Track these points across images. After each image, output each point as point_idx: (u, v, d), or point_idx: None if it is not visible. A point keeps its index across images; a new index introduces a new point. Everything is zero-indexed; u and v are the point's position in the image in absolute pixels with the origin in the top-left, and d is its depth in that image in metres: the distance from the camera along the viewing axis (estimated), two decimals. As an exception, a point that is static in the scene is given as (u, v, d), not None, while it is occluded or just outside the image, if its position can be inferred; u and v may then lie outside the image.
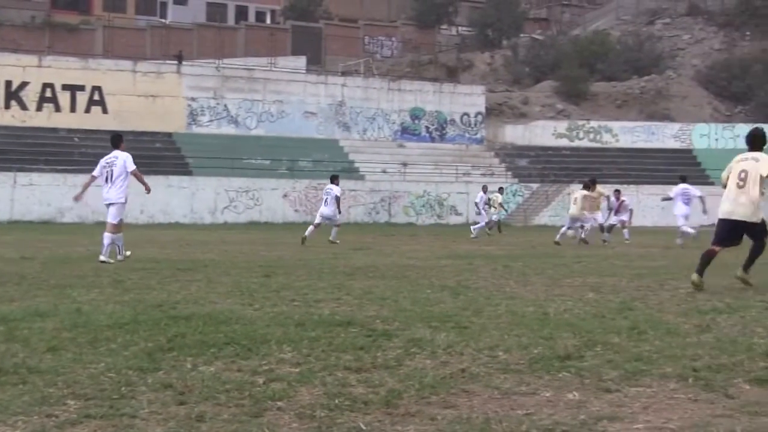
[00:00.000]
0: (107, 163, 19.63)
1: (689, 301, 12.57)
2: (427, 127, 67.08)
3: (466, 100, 68.47)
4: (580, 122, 71.38)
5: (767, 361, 7.94)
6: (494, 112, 71.64)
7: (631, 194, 61.86)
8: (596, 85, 79.04)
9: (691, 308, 11.74)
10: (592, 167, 61.61)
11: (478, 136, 68.31)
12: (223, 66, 63.45)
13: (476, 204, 37.41)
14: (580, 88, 77.12)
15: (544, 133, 69.85)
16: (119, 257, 19.54)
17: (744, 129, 71.24)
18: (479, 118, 68.47)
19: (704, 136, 71.10)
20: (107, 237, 19.45)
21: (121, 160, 19.50)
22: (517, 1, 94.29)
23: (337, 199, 30.20)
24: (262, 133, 61.47)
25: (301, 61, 70.92)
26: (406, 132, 66.34)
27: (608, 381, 7.13)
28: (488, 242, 32.21)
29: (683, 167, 66.97)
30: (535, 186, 62.37)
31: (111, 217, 19.56)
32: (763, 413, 6.24)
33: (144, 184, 19.97)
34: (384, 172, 60.16)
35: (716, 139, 70.98)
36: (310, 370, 7.37)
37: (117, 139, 20.17)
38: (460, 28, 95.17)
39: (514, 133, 69.78)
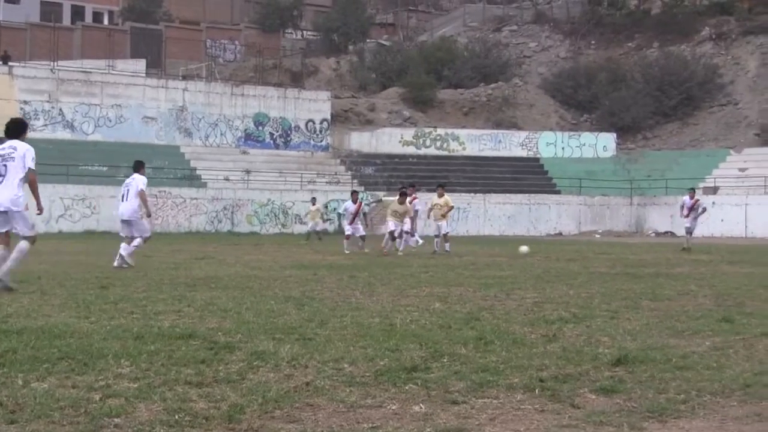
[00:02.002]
0: (126, 183, 22.91)
1: (536, 311, 12.80)
2: (272, 134, 66.86)
3: (312, 106, 68.49)
4: (427, 130, 72.07)
5: (612, 371, 8.14)
6: (340, 119, 71.81)
7: (477, 203, 62.87)
8: (443, 92, 79.90)
9: (537, 318, 11.96)
10: (439, 175, 62.21)
11: (324, 143, 68.40)
12: (58, 68, 62.11)
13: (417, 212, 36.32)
14: (427, 95, 77.85)
15: (390, 140, 70.29)
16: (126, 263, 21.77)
17: (589, 137, 73.18)
18: (325, 124, 68.57)
19: (551, 144, 72.52)
20: (139, 242, 22.38)
21: (136, 182, 22.64)
22: (364, 6, 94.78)
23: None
24: (100, 138, 60.38)
25: (140, 65, 69.95)
26: (250, 138, 65.99)
27: (455, 392, 7.21)
28: (333, 252, 32.27)
29: (530, 175, 68.39)
30: (381, 194, 62.74)
31: (139, 232, 22.55)
32: (608, 423, 6.39)
33: (146, 207, 23.17)
34: (227, 179, 59.71)
35: (563, 148, 72.49)
36: (149, 385, 7.27)
37: (138, 165, 23.44)
38: (305, 32, 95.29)
39: (361, 141, 70.07)
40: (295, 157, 65.52)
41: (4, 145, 15.34)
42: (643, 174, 69.05)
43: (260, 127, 66.40)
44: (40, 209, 16.39)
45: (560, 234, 63.28)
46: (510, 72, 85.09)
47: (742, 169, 65.47)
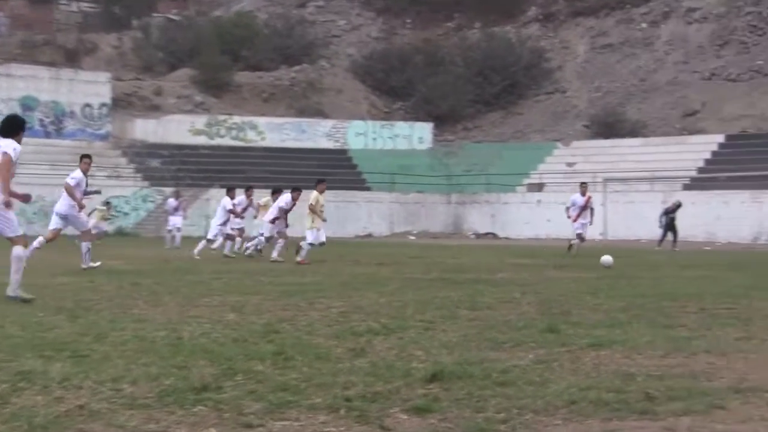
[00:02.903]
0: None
1: (342, 322, 12.87)
2: (42, 120, 65.56)
3: (89, 89, 67.39)
4: (222, 117, 71.74)
5: (426, 388, 8.24)
6: (122, 104, 70.90)
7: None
8: (240, 74, 79.66)
9: (344, 330, 12.03)
10: (235, 168, 62.06)
11: (103, 131, 67.39)
12: None
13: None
14: (222, 78, 77.47)
15: (179, 128, 69.72)
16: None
17: (404, 128, 73.95)
18: (104, 110, 67.56)
19: (360, 134, 73.07)
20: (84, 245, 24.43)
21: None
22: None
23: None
24: None
25: None
26: (16, 125, 64.55)
27: (250, 415, 7.19)
28: (112, 256, 31.82)
29: (337, 170, 68.64)
30: (168, 190, 62.14)
31: (80, 227, 24.83)
32: (421, 445, 6.48)
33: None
34: (-12, 172, 58.29)
35: (374, 139, 73.12)
36: None
37: (81, 157, 25.04)
38: (81, 3, 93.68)
39: (145, 129, 69.26)
40: (69, 147, 64.25)
41: None
42: (462, 169, 70.20)
43: (28, 113, 64.96)
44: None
45: (370, 235, 63.81)
46: (315, 53, 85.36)
47: (570, 164, 67.17)
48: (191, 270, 24.57)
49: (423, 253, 37.50)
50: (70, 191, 24.19)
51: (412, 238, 61.80)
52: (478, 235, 64.96)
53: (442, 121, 77.76)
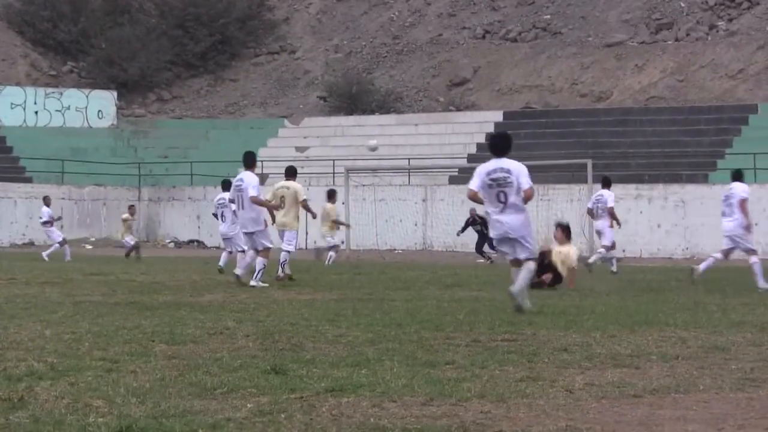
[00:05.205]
0: (237, 185, 28.29)
1: (-5, 362, 12.72)
2: None
3: None
4: None
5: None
6: None
7: None
8: None
9: (-4, 372, 11.89)
10: None
11: None
12: None
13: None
14: None
15: None
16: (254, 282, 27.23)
17: (77, 97, 73.07)
18: None
19: (17, 106, 71.98)
20: (260, 262, 27.70)
21: (246, 183, 27.93)
22: None
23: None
24: None
25: None
26: None
27: None
28: None
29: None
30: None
31: (261, 244, 28.05)
32: None
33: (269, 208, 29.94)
34: None
35: (35, 112, 72.14)
36: None
37: (249, 158, 29.22)
38: None
39: None
40: None
41: (494, 167, 19.98)
42: (157, 153, 69.87)
43: None
44: None
45: (32, 243, 63.03)
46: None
47: (301, 148, 67.54)
48: None
49: (104, 267, 37.32)
50: (260, 202, 28.62)
51: (89, 247, 61.33)
52: (180, 244, 64.79)
53: (129, 89, 77.28)
